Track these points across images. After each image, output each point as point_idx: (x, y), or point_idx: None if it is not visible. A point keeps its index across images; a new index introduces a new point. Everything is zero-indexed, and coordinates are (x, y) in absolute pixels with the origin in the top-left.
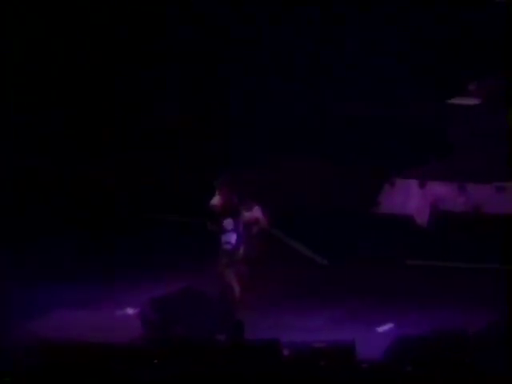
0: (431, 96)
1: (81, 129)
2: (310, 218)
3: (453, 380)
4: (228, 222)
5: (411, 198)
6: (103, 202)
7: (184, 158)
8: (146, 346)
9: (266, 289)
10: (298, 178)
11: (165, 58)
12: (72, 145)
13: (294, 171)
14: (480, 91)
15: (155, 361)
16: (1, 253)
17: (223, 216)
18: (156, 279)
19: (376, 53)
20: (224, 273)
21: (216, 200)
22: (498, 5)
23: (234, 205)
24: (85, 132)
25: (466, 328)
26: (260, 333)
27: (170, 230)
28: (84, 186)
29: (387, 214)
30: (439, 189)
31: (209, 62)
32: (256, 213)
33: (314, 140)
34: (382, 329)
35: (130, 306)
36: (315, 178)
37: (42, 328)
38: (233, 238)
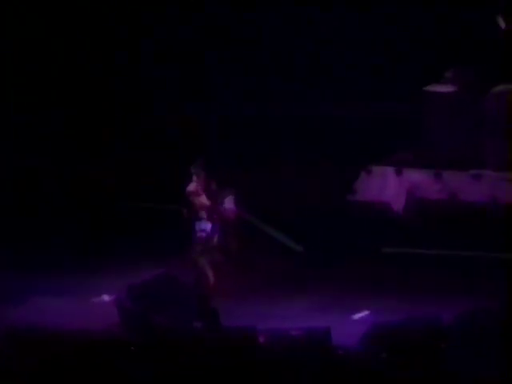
0: (407, 84)
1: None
2: (287, 206)
3: (427, 366)
4: (203, 209)
5: (388, 186)
6: (85, 192)
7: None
8: (122, 334)
9: (242, 276)
10: (277, 170)
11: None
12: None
13: (275, 163)
14: (457, 79)
15: (132, 348)
16: None
17: (199, 202)
18: (132, 266)
19: (349, 43)
20: (198, 260)
21: (192, 186)
22: None
23: (211, 192)
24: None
25: (440, 316)
26: (236, 320)
27: (146, 217)
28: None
29: (364, 201)
30: (415, 176)
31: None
32: (230, 201)
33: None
34: (357, 316)
35: (106, 292)
36: (292, 168)
37: (18, 315)
38: (208, 225)
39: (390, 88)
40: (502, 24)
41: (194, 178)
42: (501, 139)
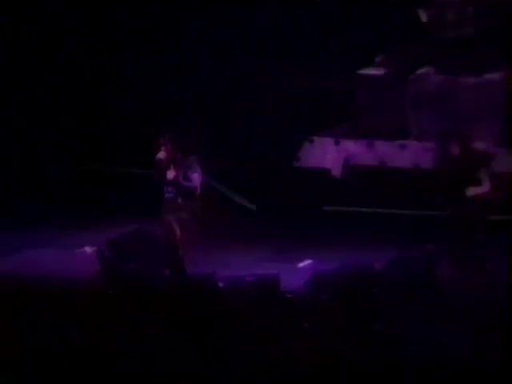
0: (340, 66)
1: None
2: (244, 170)
3: (360, 306)
4: (171, 174)
5: (327, 154)
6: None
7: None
8: (102, 280)
9: (205, 232)
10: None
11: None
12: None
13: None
14: (385, 63)
15: (110, 291)
16: None
17: (167, 169)
18: (112, 223)
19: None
20: (166, 218)
21: (161, 155)
22: None
23: (176, 160)
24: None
25: (372, 263)
26: (199, 268)
27: (123, 181)
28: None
29: (307, 167)
30: (351, 146)
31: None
32: (195, 168)
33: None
34: (302, 264)
35: (88, 245)
36: (250, 134)
37: (7, 265)
38: (174, 189)
39: (327, 69)
40: (424, 17)
41: (163, 148)
42: (422, 114)
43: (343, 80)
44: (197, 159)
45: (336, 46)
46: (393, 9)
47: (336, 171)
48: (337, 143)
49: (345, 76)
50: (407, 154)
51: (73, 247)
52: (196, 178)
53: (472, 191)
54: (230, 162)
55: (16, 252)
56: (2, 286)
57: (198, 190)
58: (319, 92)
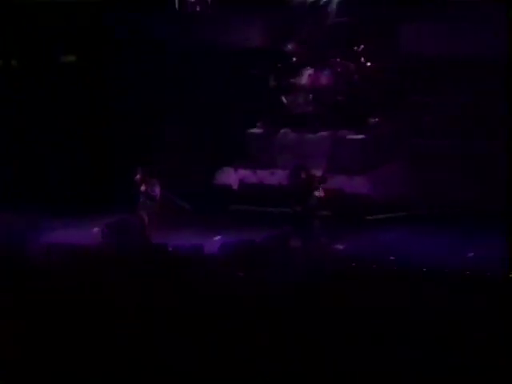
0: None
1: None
2: (185, 186)
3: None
4: (142, 188)
5: (230, 177)
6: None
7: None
8: (106, 250)
9: (162, 221)
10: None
11: None
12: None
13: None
14: (266, 123)
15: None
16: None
17: (140, 185)
18: (110, 213)
19: None
20: (139, 213)
21: (137, 178)
22: None
23: (146, 180)
24: None
25: (253, 240)
26: (158, 240)
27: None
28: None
29: (220, 184)
30: (244, 172)
31: None
32: (156, 185)
33: None
34: (216, 238)
35: (96, 227)
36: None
37: (36, 241)
38: (145, 196)
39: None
40: None
41: (138, 174)
42: (282, 157)
43: (237, 133)
44: (157, 180)
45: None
46: None
47: (235, 186)
48: (236, 170)
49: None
50: (275, 177)
51: (86, 228)
52: (156, 190)
53: (313, 196)
54: (179, 181)
55: (53, 231)
56: (60, 251)
57: (158, 197)
58: (224, 137)
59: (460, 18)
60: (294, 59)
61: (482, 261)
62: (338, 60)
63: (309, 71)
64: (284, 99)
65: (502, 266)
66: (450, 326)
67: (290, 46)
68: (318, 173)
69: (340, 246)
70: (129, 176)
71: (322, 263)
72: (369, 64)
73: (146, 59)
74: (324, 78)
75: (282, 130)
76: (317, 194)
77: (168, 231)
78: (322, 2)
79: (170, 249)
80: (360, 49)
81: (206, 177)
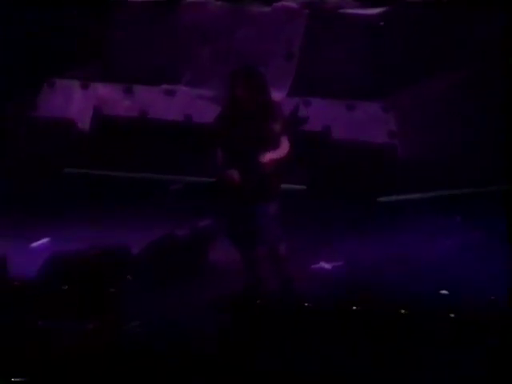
0: None
1: None
2: None
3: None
4: None
5: (73, 101)
6: None
7: None
8: None
9: None
10: None
11: None
12: None
13: None
14: None
15: None
16: None
17: None
18: None
19: None
20: None
21: None
22: None
23: None
24: None
25: (127, 245)
26: None
27: None
28: None
29: (46, 117)
30: (103, 91)
31: None
32: None
33: None
34: (35, 244)
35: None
36: None
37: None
38: None
39: None
40: None
41: None
42: (196, 52)
43: (94, 6)
44: None
45: None
46: None
47: (83, 123)
48: (85, 87)
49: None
50: (176, 103)
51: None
52: None
53: (265, 152)
54: None
55: None
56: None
57: None
58: (61, 21)
59: None
60: None
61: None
62: None
63: None
64: None
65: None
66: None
67: None
68: (279, 95)
69: (326, 265)
70: None
71: (282, 297)
72: None
73: None
74: None
75: None
76: (278, 142)
77: None
78: None
79: None
80: None
81: (13, 101)
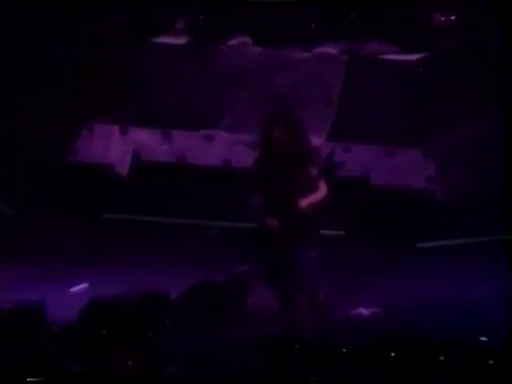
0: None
1: None
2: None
3: (147, 342)
4: None
5: (111, 146)
6: None
7: None
8: None
9: None
10: None
11: None
12: None
13: None
14: (188, 29)
15: None
16: None
17: None
18: None
19: None
20: None
21: None
22: None
23: None
24: None
25: (167, 290)
26: None
27: None
28: None
29: (84, 162)
30: (142, 136)
31: None
32: None
33: None
34: (75, 289)
35: None
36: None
37: None
38: None
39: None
40: None
41: None
42: (235, 97)
43: (133, 50)
44: None
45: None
46: None
47: (122, 168)
48: (123, 132)
49: (135, 45)
50: (215, 148)
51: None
52: None
53: (303, 197)
54: None
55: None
56: None
57: None
58: (100, 64)
59: None
60: None
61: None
62: None
63: None
64: None
65: None
66: None
67: None
68: (318, 141)
69: (364, 310)
70: None
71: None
72: None
73: None
74: None
75: (234, 40)
76: (317, 186)
77: None
78: None
79: None
80: None
81: (51, 146)
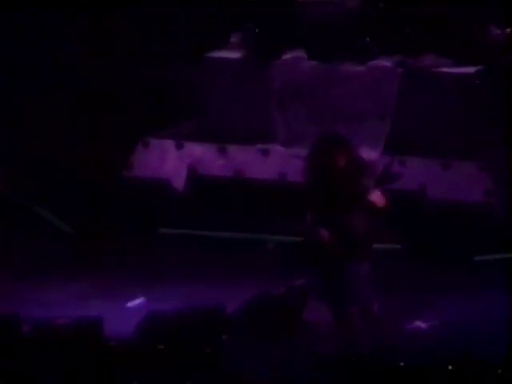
0: (187, 47)
1: None
2: (59, 184)
3: (204, 357)
4: None
5: (167, 161)
6: None
7: None
8: None
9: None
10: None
11: None
12: None
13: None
14: (242, 44)
15: None
16: None
17: None
18: None
19: None
20: None
21: None
22: None
23: None
24: None
25: (222, 304)
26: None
27: None
28: None
29: (141, 177)
30: (198, 150)
31: None
32: None
33: None
34: (131, 304)
35: None
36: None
37: None
38: None
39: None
40: None
41: None
42: (290, 111)
43: (187, 65)
44: None
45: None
46: None
47: (178, 183)
48: (180, 147)
49: (190, 60)
50: (271, 162)
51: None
52: None
53: (361, 209)
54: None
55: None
56: None
57: None
58: (156, 80)
59: None
60: None
61: None
62: None
63: None
64: None
65: None
66: None
67: None
68: (373, 155)
69: (421, 324)
70: None
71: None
72: None
73: None
74: None
75: (288, 55)
76: (369, 203)
77: (25, 283)
78: None
79: (26, 327)
80: None
81: (108, 161)
